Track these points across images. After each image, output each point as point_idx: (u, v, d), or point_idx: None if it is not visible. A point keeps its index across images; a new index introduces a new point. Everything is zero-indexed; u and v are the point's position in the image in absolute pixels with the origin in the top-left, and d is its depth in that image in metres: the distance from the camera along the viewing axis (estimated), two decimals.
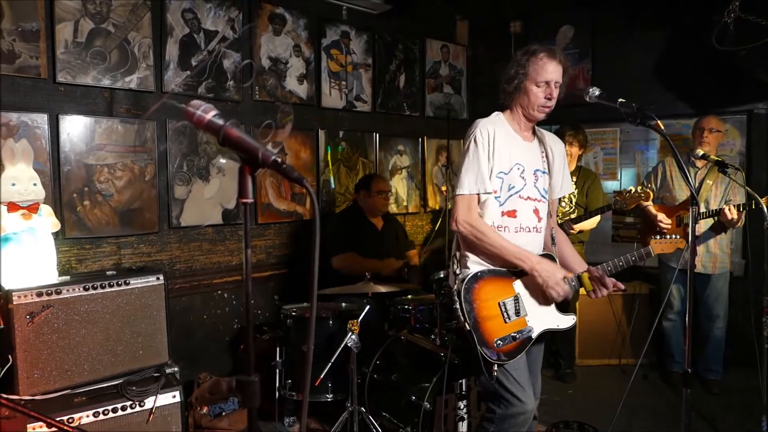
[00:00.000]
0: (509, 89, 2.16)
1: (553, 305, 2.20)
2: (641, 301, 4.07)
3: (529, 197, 2.18)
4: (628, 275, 3.55)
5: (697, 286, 3.60)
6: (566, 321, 2.23)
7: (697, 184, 3.55)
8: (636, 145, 4.67)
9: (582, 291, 2.27)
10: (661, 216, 3.59)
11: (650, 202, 3.70)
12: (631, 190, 3.43)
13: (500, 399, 2.12)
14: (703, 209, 3.48)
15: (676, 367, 3.82)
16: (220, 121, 1.00)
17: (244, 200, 0.96)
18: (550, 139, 2.33)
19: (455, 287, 2.16)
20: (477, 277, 2.13)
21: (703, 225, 3.53)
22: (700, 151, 3.24)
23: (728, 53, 3.54)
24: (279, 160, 0.98)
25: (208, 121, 1.00)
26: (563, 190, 2.35)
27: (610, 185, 4.61)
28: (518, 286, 2.17)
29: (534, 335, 2.15)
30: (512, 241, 2.14)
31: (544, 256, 2.21)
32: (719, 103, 4.08)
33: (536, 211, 2.20)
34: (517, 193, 2.16)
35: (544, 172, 2.25)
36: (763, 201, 2.90)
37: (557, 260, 2.24)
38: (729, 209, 3.19)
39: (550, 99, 2.11)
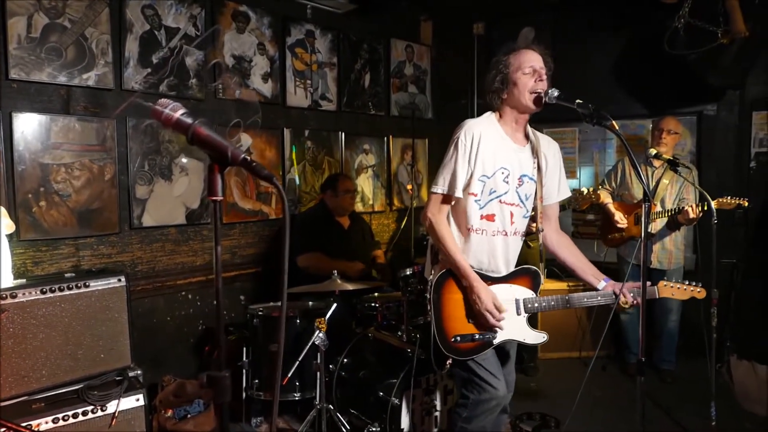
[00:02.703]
0: (495, 86, 2.13)
1: (524, 318, 2.20)
2: None
3: (508, 202, 2.16)
4: None
5: (653, 281, 3.75)
6: (534, 337, 2.20)
7: (653, 183, 3.68)
8: (594, 145, 4.82)
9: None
10: (618, 216, 3.71)
11: (610, 200, 3.83)
12: (583, 191, 3.54)
13: (473, 385, 2.17)
14: (659, 208, 3.62)
15: (633, 358, 3.96)
16: (189, 120, 1.00)
17: (214, 198, 0.97)
18: (544, 142, 2.27)
19: (430, 277, 2.20)
20: (451, 271, 2.16)
21: (659, 222, 3.68)
22: (653, 151, 3.39)
23: (680, 57, 3.69)
24: (248, 158, 0.98)
25: (176, 120, 0.99)
26: (560, 194, 2.31)
27: (570, 183, 4.72)
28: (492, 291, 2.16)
29: (495, 342, 2.16)
30: (488, 243, 2.17)
31: (521, 270, 2.22)
32: (672, 104, 4.26)
33: (511, 215, 2.18)
34: (498, 197, 2.15)
35: (531, 179, 2.20)
36: (714, 203, 3.04)
37: (542, 276, 2.22)
38: (692, 208, 3.31)
39: (540, 82, 2.07)
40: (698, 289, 2.25)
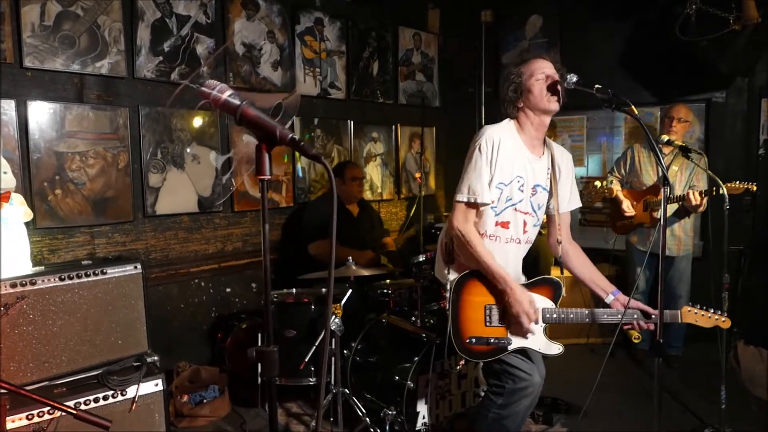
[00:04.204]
0: (511, 96, 2.15)
1: (541, 327, 2.18)
2: None
3: (522, 210, 2.19)
4: (595, 258, 3.69)
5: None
6: (550, 348, 2.19)
7: None
8: (602, 133, 4.83)
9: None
10: (626, 205, 3.73)
11: (619, 188, 3.84)
12: (597, 185, 3.53)
13: (508, 375, 2.17)
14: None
15: (642, 345, 4.00)
16: (236, 101, 1.01)
17: (262, 177, 0.98)
18: (558, 153, 2.29)
19: (449, 276, 2.21)
20: (473, 274, 2.17)
21: (668, 209, 3.69)
22: (665, 137, 3.39)
23: (689, 44, 3.69)
24: (296, 137, 1.00)
25: (224, 101, 1.01)
26: (571, 203, 2.33)
27: (578, 171, 4.75)
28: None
29: (510, 347, 2.16)
30: (501, 250, 2.18)
31: (543, 280, 2.21)
32: (680, 91, 4.25)
33: (525, 224, 2.21)
34: (513, 205, 2.17)
35: (544, 189, 2.23)
36: (724, 187, 3.05)
37: (562, 285, 2.21)
38: (693, 195, 3.33)
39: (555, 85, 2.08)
40: (723, 319, 2.13)
